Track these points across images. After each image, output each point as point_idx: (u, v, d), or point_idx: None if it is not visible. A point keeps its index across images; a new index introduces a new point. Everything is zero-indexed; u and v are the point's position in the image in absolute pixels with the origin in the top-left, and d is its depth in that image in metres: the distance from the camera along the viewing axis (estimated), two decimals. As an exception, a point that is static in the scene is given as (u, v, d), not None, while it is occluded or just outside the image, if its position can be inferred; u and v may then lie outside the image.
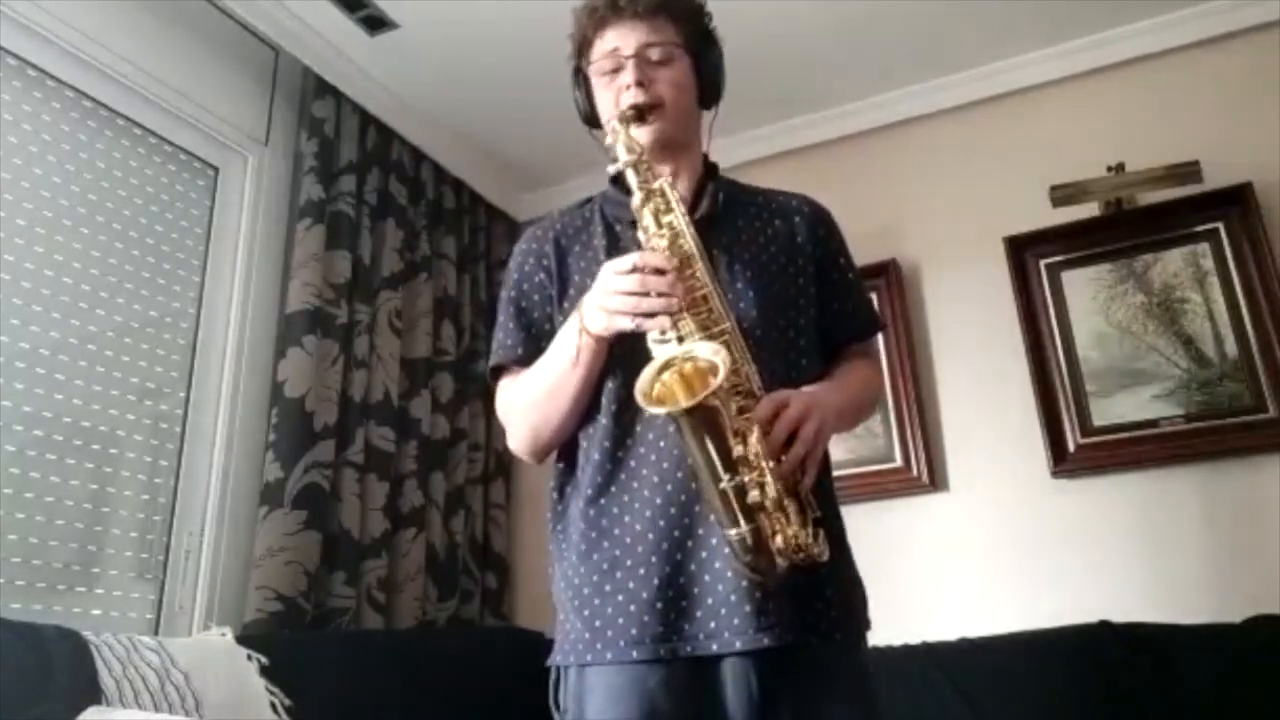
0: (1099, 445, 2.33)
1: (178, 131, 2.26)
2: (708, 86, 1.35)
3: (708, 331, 1.10)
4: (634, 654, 1.10)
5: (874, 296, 2.61)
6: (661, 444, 1.17)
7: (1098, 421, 2.35)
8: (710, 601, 1.10)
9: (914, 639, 2.14)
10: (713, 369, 1.02)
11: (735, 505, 1.00)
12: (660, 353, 1.08)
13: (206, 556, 2.10)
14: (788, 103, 2.81)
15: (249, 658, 1.67)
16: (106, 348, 2.00)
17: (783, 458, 1.05)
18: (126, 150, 2.14)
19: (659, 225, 1.16)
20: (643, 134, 1.25)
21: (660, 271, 1.10)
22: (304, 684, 1.71)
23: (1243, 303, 2.28)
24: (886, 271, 2.65)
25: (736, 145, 2.79)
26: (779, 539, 1.02)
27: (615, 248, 1.27)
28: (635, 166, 1.20)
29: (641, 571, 1.13)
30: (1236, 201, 2.32)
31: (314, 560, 2.14)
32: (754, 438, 1.03)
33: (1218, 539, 2.18)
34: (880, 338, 2.47)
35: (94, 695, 1.35)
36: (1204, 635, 1.94)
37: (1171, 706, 1.84)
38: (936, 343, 2.60)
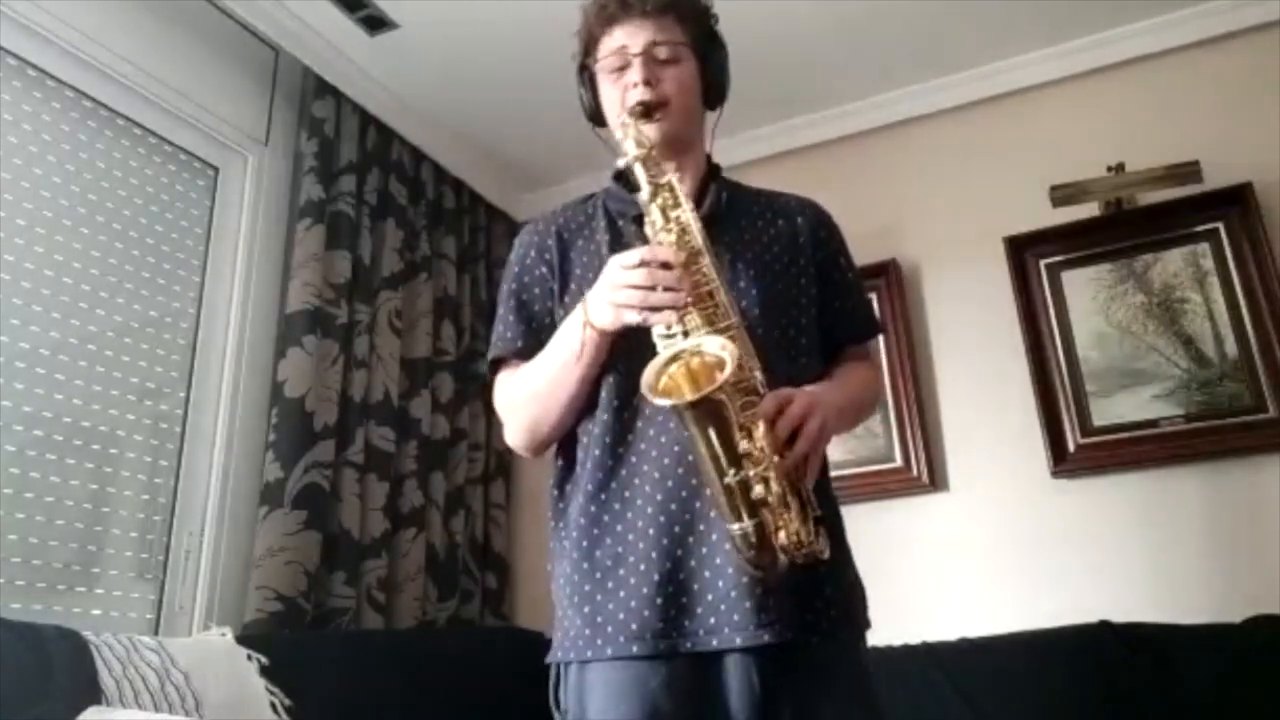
0: (1099, 445, 2.33)
1: (178, 131, 2.26)
2: (712, 87, 1.36)
3: (714, 327, 1.10)
4: (634, 649, 1.10)
5: (874, 296, 2.62)
6: (663, 440, 1.17)
7: (1098, 421, 2.35)
8: (710, 598, 1.10)
9: (914, 639, 2.14)
10: (720, 363, 1.02)
11: (740, 500, 1.01)
12: (666, 347, 1.08)
13: (206, 556, 2.10)
14: (788, 103, 2.81)
15: (249, 658, 1.67)
16: (106, 348, 2.00)
17: (785, 454, 1.05)
18: (126, 150, 2.14)
19: (666, 220, 1.16)
20: (648, 131, 1.25)
21: (668, 266, 1.10)
22: (304, 684, 1.71)
23: (1243, 303, 2.28)
24: (886, 271, 2.65)
25: (736, 145, 2.79)
26: (782, 535, 1.02)
27: (618, 243, 1.27)
28: (644, 161, 1.20)
29: (642, 568, 1.13)
30: (1236, 201, 2.32)
31: (314, 560, 2.14)
32: (759, 433, 1.03)
33: (1218, 539, 2.18)
34: (880, 339, 2.48)
35: (94, 695, 1.35)
36: (1204, 635, 1.94)
37: (1171, 706, 1.84)
38: (936, 343, 2.60)
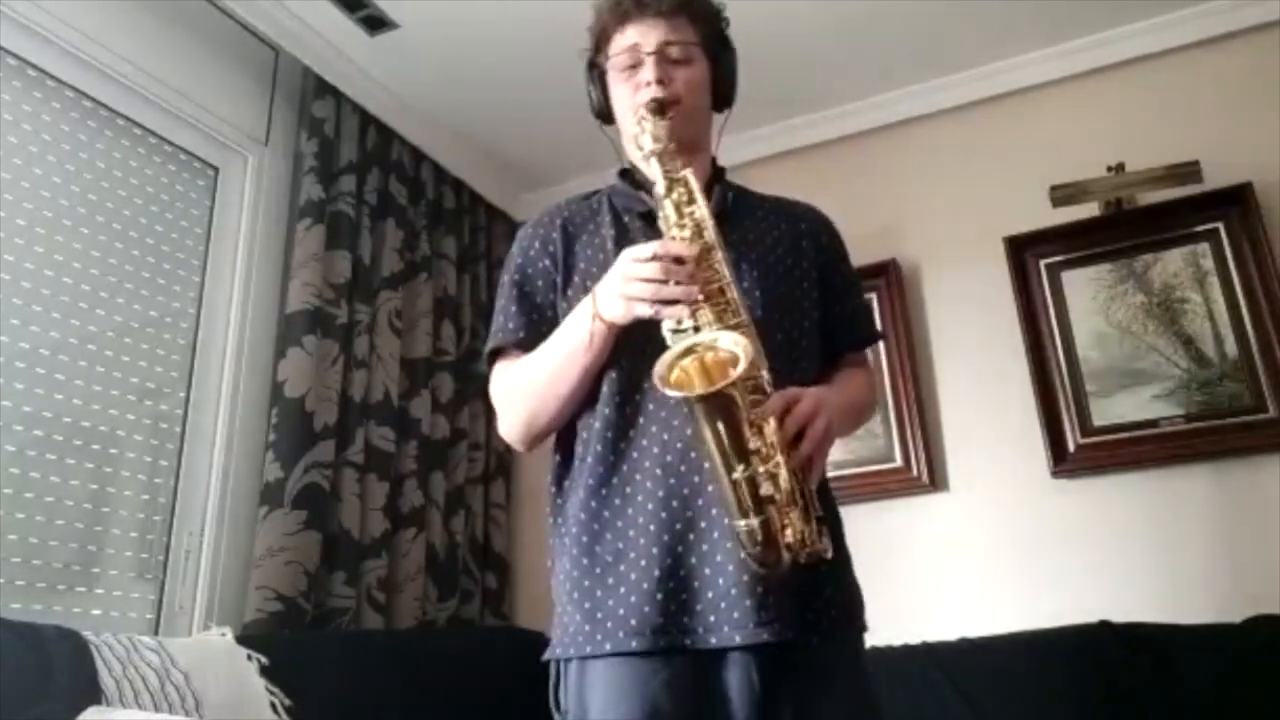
0: (1099, 445, 2.33)
1: (178, 131, 2.26)
2: (721, 89, 1.37)
3: (724, 323, 1.09)
4: (633, 645, 1.10)
5: (874, 296, 2.62)
6: (665, 436, 1.17)
7: (1098, 421, 2.35)
8: (710, 595, 1.10)
9: (914, 639, 2.14)
10: (733, 359, 1.02)
11: (747, 496, 1.00)
12: (676, 342, 1.08)
13: (206, 556, 2.10)
14: (788, 103, 2.81)
15: (249, 658, 1.67)
16: (106, 348, 2.00)
17: (791, 453, 1.05)
18: (126, 150, 2.14)
19: (680, 215, 1.16)
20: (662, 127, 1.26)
21: (681, 261, 1.10)
22: (304, 684, 1.71)
23: (1243, 303, 2.28)
24: (886, 271, 2.65)
25: (737, 145, 2.78)
26: (788, 533, 1.02)
27: (624, 239, 1.27)
28: (660, 156, 1.20)
29: (642, 564, 1.13)
30: (1236, 201, 2.32)
31: (314, 560, 2.14)
32: (769, 430, 1.03)
33: (1218, 539, 2.18)
34: (880, 341, 2.48)
35: (94, 695, 1.35)
36: (1204, 635, 1.94)
37: (1171, 706, 1.84)
38: (936, 343, 2.60)
